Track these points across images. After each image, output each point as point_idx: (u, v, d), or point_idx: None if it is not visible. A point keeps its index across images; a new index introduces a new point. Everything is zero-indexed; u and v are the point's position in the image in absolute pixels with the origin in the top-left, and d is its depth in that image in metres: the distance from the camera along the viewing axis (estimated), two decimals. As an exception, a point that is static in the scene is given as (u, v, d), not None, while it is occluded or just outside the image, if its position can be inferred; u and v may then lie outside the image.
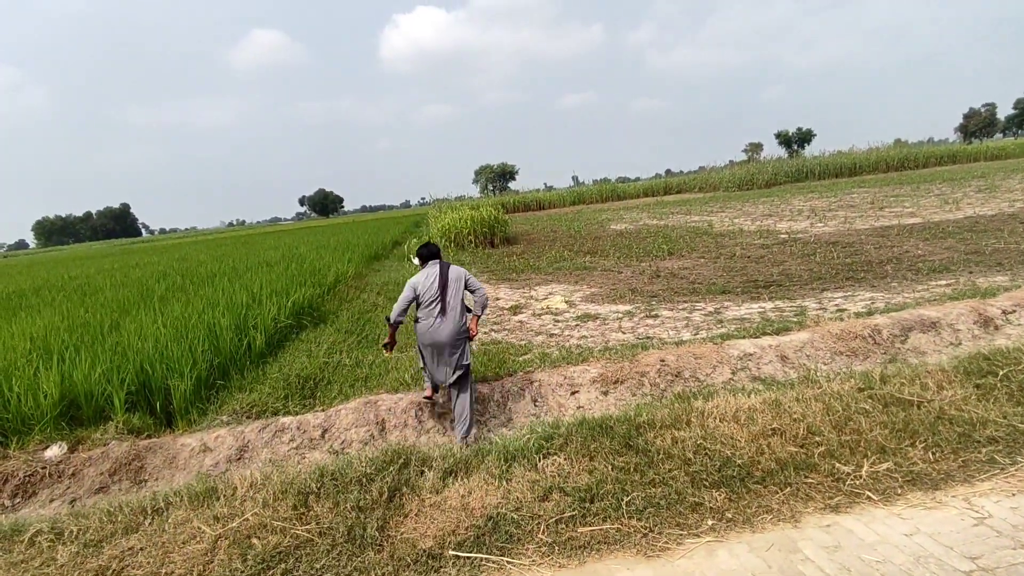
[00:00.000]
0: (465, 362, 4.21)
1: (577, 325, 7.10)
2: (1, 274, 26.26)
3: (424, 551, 2.72)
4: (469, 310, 4.47)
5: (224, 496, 3.24)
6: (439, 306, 4.29)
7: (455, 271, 4.53)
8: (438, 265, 4.55)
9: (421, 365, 4.55)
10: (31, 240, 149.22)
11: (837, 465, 2.93)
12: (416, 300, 4.40)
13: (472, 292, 4.49)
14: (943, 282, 7.14)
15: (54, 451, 4.55)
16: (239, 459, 4.29)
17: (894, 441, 3.04)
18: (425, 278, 4.44)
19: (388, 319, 4.51)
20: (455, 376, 4.17)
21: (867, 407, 3.17)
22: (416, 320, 4.44)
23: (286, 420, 4.61)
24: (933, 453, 2.99)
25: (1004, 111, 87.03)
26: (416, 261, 4.88)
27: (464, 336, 4.30)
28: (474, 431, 4.13)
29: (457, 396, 4.21)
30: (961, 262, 8.17)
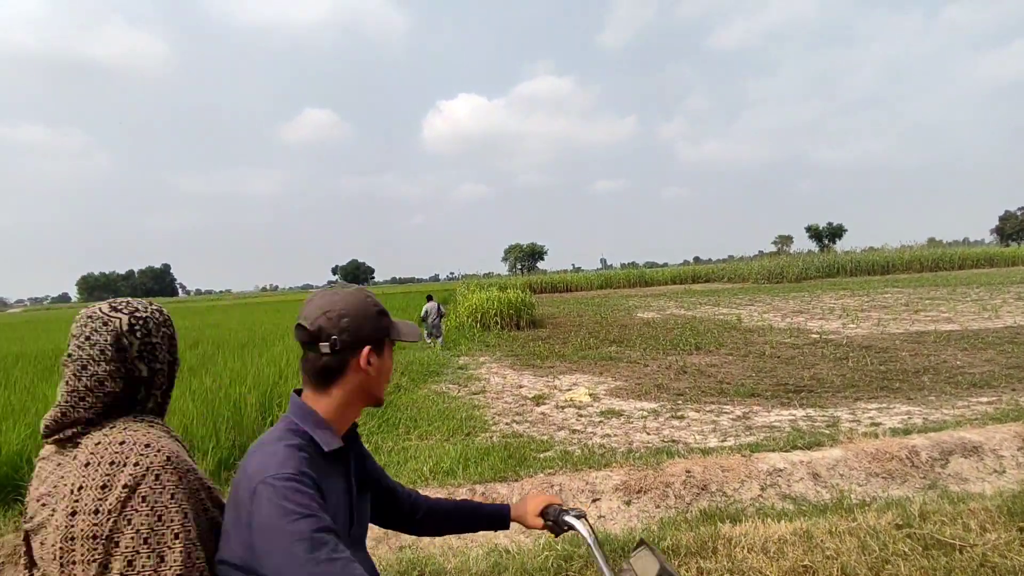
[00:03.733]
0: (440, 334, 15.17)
1: (601, 421, 6.98)
2: (43, 328, 27.16)
3: None
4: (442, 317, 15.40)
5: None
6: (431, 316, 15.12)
7: (432, 304, 15.42)
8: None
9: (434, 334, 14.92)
10: (74, 294, 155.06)
11: (875, 613, 2.75)
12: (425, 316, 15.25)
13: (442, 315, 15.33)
14: (984, 399, 6.88)
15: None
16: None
17: (936, 589, 2.85)
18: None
19: None
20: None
21: (906, 549, 2.99)
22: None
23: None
24: (978, 605, 2.79)
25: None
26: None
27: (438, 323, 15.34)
28: (440, 340, 14.98)
29: (439, 339, 14.81)
30: (1003, 377, 7.90)
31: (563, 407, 7.85)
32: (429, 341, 14.81)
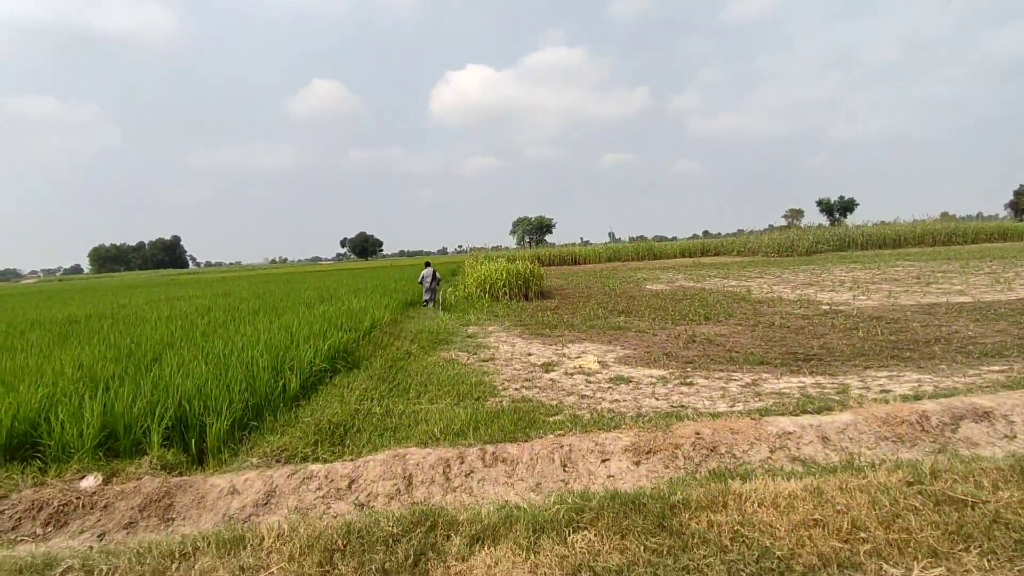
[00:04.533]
0: (432, 298, 16.77)
1: (610, 387, 7.00)
2: (57, 299, 27.48)
3: (446, 622, 2.65)
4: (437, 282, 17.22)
5: (251, 545, 3.23)
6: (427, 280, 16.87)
7: (429, 270, 17.35)
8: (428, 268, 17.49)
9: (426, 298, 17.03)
10: (86, 265, 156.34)
11: (885, 566, 2.76)
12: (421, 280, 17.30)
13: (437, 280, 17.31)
14: (996, 368, 6.83)
15: (89, 482, 4.65)
16: (266, 504, 4.29)
17: (947, 544, 2.86)
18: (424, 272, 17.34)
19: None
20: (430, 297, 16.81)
21: (917, 504, 3.00)
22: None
23: (314, 468, 4.62)
24: (989, 560, 2.80)
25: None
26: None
27: (434, 287, 17.02)
28: (431, 303, 16.61)
29: (432, 299, 16.63)
30: (1015, 347, 7.83)
31: (572, 374, 7.88)
32: (427, 297, 16.92)
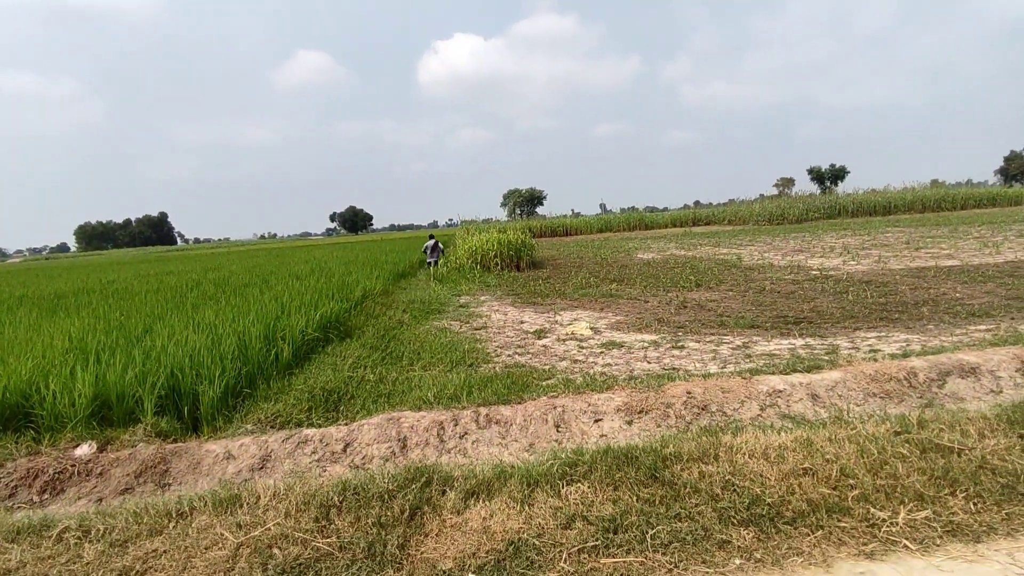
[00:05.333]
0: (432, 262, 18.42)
1: (602, 352, 7.04)
2: (45, 275, 27.19)
3: (444, 572, 2.69)
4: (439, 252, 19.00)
5: (247, 504, 3.25)
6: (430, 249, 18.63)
7: (432, 241, 19.04)
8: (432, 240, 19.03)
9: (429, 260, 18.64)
10: (72, 244, 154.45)
11: (872, 510, 2.83)
12: (425, 249, 19.08)
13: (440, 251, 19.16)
14: (983, 327, 6.92)
15: (84, 450, 4.65)
16: (261, 468, 4.32)
17: (933, 489, 2.92)
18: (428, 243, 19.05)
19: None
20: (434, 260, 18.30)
21: (904, 451, 3.06)
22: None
23: (309, 432, 4.64)
24: (975, 504, 2.87)
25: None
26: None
27: (436, 256, 18.61)
28: (432, 266, 18.11)
29: (435, 262, 18.11)
30: (1002, 307, 7.92)
31: (564, 340, 7.91)
32: (430, 262, 18.75)
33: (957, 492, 2.92)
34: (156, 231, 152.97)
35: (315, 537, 2.92)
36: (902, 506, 2.86)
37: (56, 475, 4.35)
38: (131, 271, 25.06)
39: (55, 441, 4.74)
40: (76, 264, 46.67)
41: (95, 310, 9.70)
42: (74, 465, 4.42)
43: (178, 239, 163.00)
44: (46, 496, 4.24)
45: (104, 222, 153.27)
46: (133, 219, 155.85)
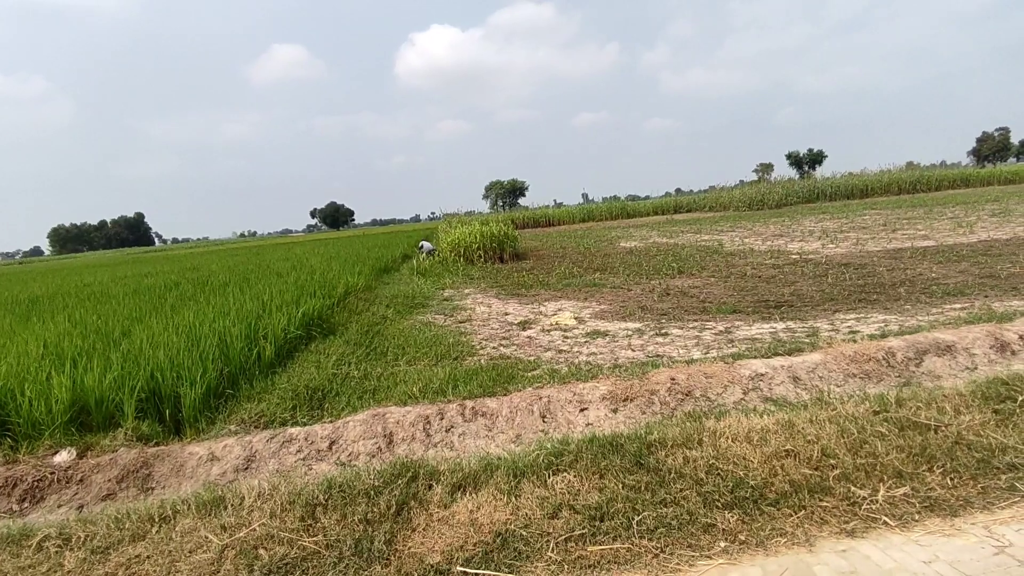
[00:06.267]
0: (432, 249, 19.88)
1: (586, 342, 7.07)
2: (18, 280, 26.60)
3: (432, 566, 2.69)
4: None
5: (231, 505, 3.22)
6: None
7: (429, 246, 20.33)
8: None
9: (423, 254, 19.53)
10: (46, 247, 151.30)
11: (853, 489, 2.88)
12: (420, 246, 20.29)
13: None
14: (958, 305, 7.06)
15: (63, 457, 4.56)
16: (246, 469, 4.28)
17: (911, 465, 2.98)
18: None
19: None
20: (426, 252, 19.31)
21: (883, 430, 3.12)
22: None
23: (294, 431, 4.60)
24: (951, 479, 2.93)
25: (1018, 135, 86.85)
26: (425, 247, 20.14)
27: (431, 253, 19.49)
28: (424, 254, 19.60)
29: (427, 254, 18.48)
30: (976, 286, 8.08)
31: (549, 330, 7.92)
32: (424, 256, 19.52)
33: (934, 468, 2.98)
34: (133, 232, 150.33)
35: (301, 536, 2.91)
36: (881, 484, 2.91)
37: (35, 483, 4.27)
38: (108, 273, 24.60)
39: (33, 449, 4.65)
40: (51, 268, 45.73)
41: (71, 314, 9.51)
42: (53, 472, 4.34)
43: (156, 240, 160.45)
44: (26, 505, 4.16)
45: (79, 224, 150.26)
46: (109, 220, 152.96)
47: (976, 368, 4.99)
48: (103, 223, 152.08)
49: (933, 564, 2.51)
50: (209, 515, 3.16)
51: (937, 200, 30.45)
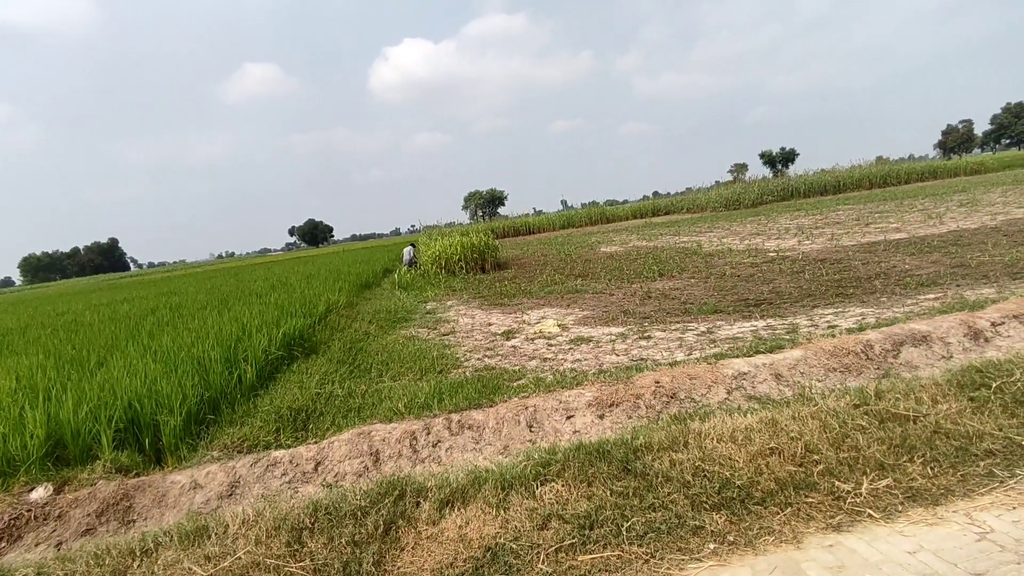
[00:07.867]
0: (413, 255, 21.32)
1: (571, 348, 7.08)
2: (-13, 312, 25.91)
3: (422, 585, 2.66)
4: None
5: (215, 534, 3.16)
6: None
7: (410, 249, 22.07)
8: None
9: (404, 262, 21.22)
10: (17, 277, 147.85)
11: (837, 483, 2.91)
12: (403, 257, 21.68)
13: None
14: (931, 296, 7.20)
15: (39, 493, 4.44)
16: (231, 495, 4.20)
17: (892, 457, 3.03)
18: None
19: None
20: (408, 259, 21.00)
21: (863, 423, 3.16)
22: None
23: (278, 454, 4.53)
24: (932, 468, 2.98)
25: (981, 127, 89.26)
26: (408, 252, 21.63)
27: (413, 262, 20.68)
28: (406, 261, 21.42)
29: (409, 263, 20.03)
30: (948, 275, 8.26)
31: (533, 339, 7.92)
32: (405, 267, 20.58)
33: (915, 458, 3.02)
34: (107, 258, 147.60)
35: (287, 562, 2.86)
36: (864, 477, 2.95)
37: (11, 522, 4.15)
38: (82, 301, 24.10)
39: (7, 487, 4.52)
40: (22, 298, 44.64)
41: (44, 345, 9.30)
42: (30, 510, 4.22)
43: (131, 264, 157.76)
44: (3, 544, 4.04)
45: (50, 252, 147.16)
46: (81, 247, 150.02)
47: (951, 357, 5.09)
48: (76, 250, 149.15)
49: (918, 554, 2.54)
50: (192, 545, 3.10)
51: (907, 193, 31.10)
